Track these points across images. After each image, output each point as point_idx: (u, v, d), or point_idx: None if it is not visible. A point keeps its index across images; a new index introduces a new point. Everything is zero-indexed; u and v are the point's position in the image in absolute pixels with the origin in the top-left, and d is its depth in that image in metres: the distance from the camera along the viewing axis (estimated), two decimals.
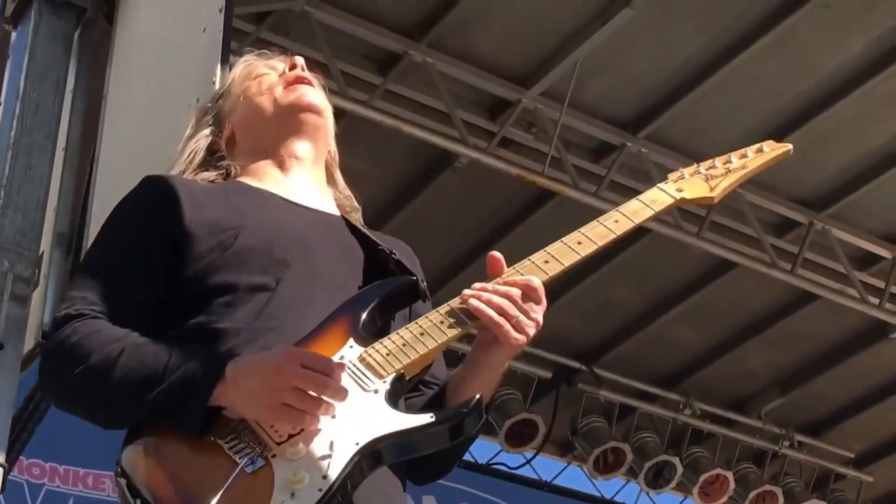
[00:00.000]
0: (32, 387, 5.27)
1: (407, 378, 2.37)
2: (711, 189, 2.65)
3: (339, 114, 3.01)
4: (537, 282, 2.42)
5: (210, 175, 2.70)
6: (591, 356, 9.52)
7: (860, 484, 10.63)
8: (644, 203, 2.60)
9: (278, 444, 2.22)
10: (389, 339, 2.38)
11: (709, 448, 10.04)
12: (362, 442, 2.23)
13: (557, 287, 9.21)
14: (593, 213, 8.37)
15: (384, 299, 2.49)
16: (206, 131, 2.81)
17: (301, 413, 2.21)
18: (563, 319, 8.70)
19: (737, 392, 10.05)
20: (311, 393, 2.21)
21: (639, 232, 8.32)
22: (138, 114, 4.87)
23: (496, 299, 2.39)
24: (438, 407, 2.43)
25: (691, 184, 2.65)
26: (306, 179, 2.74)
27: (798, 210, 8.32)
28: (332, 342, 2.36)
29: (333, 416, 2.24)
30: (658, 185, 2.63)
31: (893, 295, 8.74)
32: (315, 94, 2.79)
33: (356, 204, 2.83)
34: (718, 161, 2.70)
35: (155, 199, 2.57)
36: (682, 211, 7.99)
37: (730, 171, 2.68)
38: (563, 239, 2.52)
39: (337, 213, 2.75)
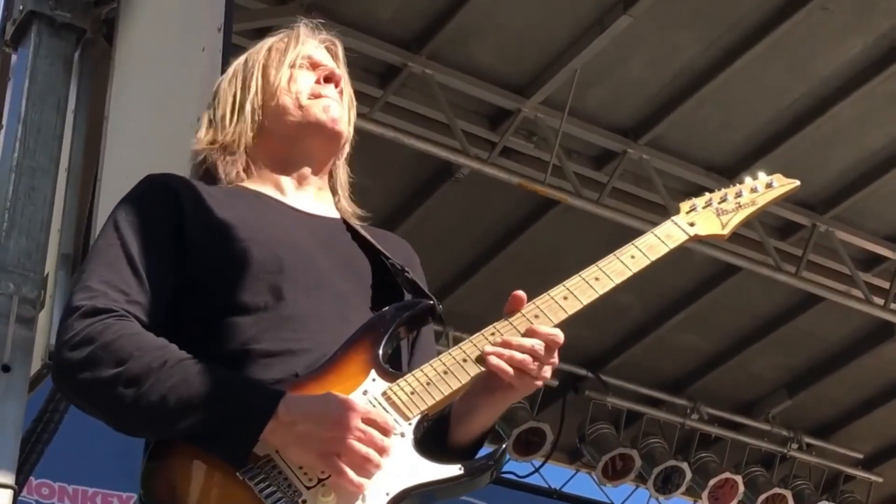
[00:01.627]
0: (41, 408, 5.27)
1: (429, 416, 2.38)
2: (723, 226, 2.71)
3: None
4: (561, 337, 2.44)
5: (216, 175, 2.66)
6: (598, 363, 9.52)
7: (870, 485, 10.62)
8: (660, 238, 2.62)
9: (308, 488, 2.23)
10: (413, 376, 2.39)
11: (717, 452, 10.03)
12: (393, 493, 2.26)
13: None
14: (596, 221, 8.38)
15: (401, 324, 2.49)
16: (237, 153, 2.68)
17: (348, 469, 2.22)
18: (568, 327, 8.68)
19: (744, 396, 10.04)
20: (364, 452, 2.23)
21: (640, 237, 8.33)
22: (140, 133, 4.88)
23: (518, 356, 2.38)
24: (441, 438, 2.46)
25: (704, 218, 2.70)
26: (309, 186, 2.71)
27: (801, 213, 8.32)
28: (354, 372, 2.37)
29: None
30: (672, 218, 2.68)
31: None
32: (337, 110, 2.71)
33: (357, 210, 2.78)
34: (730, 194, 2.76)
35: (158, 198, 2.53)
36: None
37: (741, 206, 2.74)
38: (581, 273, 2.53)
39: (337, 215, 2.72)
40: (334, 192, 2.77)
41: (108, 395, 2.28)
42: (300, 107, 2.68)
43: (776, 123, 7.70)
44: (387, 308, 2.51)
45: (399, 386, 2.37)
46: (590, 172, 8.00)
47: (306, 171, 2.70)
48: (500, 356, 2.37)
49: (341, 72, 2.78)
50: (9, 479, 4.63)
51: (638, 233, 8.58)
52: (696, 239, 2.68)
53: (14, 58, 5.43)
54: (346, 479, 2.22)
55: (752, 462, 10.14)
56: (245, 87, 2.73)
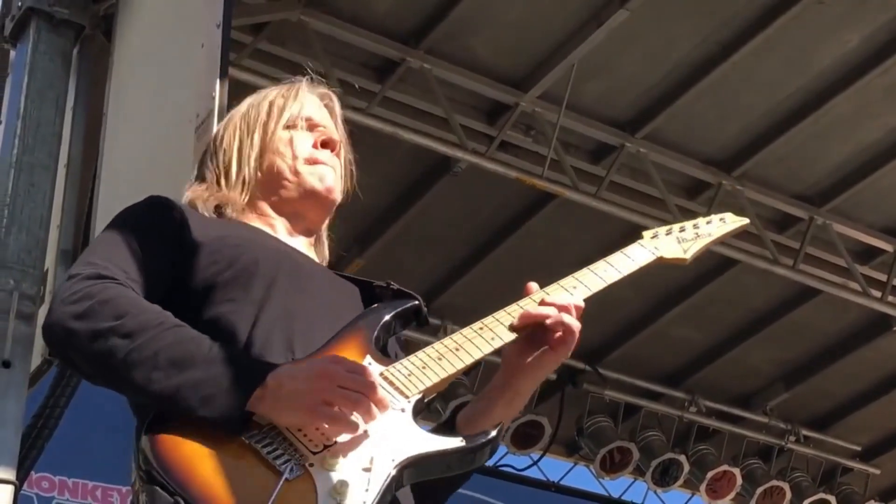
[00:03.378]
0: (41, 404, 5.29)
1: (425, 400, 2.41)
2: (685, 251, 2.87)
3: None
4: (581, 302, 2.58)
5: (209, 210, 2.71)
6: (595, 356, 9.53)
7: (867, 477, 10.64)
8: (628, 256, 2.78)
9: (314, 453, 2.23)
10: (408, 360, 2.44)
11: (715, 445, 10.06)
12: (398, 459, 2.27)
13: None
14: (594, 214, 8.39)
15: (392, 318, 2.55)
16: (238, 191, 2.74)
17: (342, 414, 2.24)
18: None
19: (741, 388, 10.06)
20: (354, 396, 2.24)
21: (638, 231, 8.35)
22: (138, 129, 4.90)
23: (561, 315, 2.51)
24: (451, 428, 2.52)
25: (666, 244, 2.86)
26: (302, 237, 2.78)
27: (798, 206, 8.34)
28: (350, 355, 2.39)
29: (366, 432, 2.28)
30: (638, 241, 2.85)
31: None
32: (332, 178, 2.76)
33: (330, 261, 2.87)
34: (688, 225, 2.93)
35: (159, 208, 2.59)
36: (682, 210, 8.01)
37: (699, 235, 2.90)
38: (560, 282, 2.65)
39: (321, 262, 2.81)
40: (319, 253, 2.84)
41: (101, 345, 2.29)
42: (296, 172, 2.73)
43: (773, 117, 7.72)
44: (376, 304, 2.59)
45: (396, 368, 2.41)
46: (587, 166, 8.01)
47: (298, 228, 2.77)
48: (560, 310, 2.51)
49: (339, 134, 2.83)
50: (10, 474, 4.65)
51: (636, 226, 8.58)
52: (661, 261, 2.83)
53: (13, 54, 5.44)
54: (342, 424, 2.24)
55: (749, 454, 10.16)
56: (244, 143, 2.77)
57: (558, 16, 7.06)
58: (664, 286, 8.87)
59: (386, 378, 2.38)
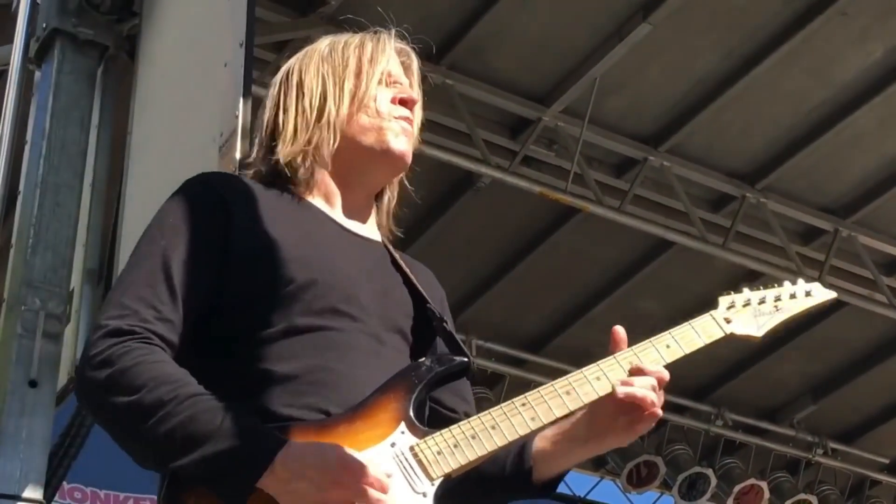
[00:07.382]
0: (68, 423, 5.31)
1: (453, 476, 2.38)
2: (759, 327, 2.70)
3: None
4: (667, 375, 2.51)
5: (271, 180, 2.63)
6: None
7: None
8: (696, 332, 2.65)
9: None
10: (441, 436, 2.39)
11: (742, 458, 10.02)
12: None
13: (583, 303, 9.23)
14: (617, 228, 8.33)
15: (435, 379, 2.48)
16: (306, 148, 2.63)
17: None
18: (589, 335, 8.70)
19: (768, 401, 10.03)
20: None
21: (662, 245, 8.33)
22: (162, 148, 4.91)
23: (649, 393, 2.47)
24: (522, 473, 2.52)
25: (741, 319, 2.69)
26: (359, 201, 2.71)
27: (823, 217, 8.32)
28: (385, 420, 2.37)
29: None
30: (710, 312, 2.68)
31: None
32: (407, 141, 2.67)
33: (393, 229, 2.80)
34: (769, 296, 2.74)
35: (209, 205, 2.50)
36: (706, 222, 7.99)
37: (778, 309, 2.73)
38: (615, 355, 2.55)
39: (378, 237, 2.73)
40: (377, 209, 2.77)
41: (121, 422, 2.31)
42: (377, 129, 2.65)
43: (797, 129, 7.71)
44: (423, 360, 2.50)
45: (427, 444, 2.37)
46: (611, 180, 8.01)
47: (361, 188, 2.70)
48: (644, 388, 2.46)
49: (416, 93, 2.74)
50: (37, 493, 4.67)
51: (660, 239, 8.52)
52: (731, 338, 2.69)
53: (38, 75, 5.46)
54: None
55: (777, 468, 10.13)
56: (333, 87, 2.68)
57: (580, 30, 7.07)
58: (689, 299, 8.83)
59: (415, 454, 2.35)
